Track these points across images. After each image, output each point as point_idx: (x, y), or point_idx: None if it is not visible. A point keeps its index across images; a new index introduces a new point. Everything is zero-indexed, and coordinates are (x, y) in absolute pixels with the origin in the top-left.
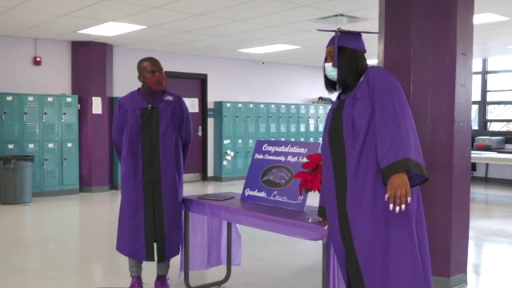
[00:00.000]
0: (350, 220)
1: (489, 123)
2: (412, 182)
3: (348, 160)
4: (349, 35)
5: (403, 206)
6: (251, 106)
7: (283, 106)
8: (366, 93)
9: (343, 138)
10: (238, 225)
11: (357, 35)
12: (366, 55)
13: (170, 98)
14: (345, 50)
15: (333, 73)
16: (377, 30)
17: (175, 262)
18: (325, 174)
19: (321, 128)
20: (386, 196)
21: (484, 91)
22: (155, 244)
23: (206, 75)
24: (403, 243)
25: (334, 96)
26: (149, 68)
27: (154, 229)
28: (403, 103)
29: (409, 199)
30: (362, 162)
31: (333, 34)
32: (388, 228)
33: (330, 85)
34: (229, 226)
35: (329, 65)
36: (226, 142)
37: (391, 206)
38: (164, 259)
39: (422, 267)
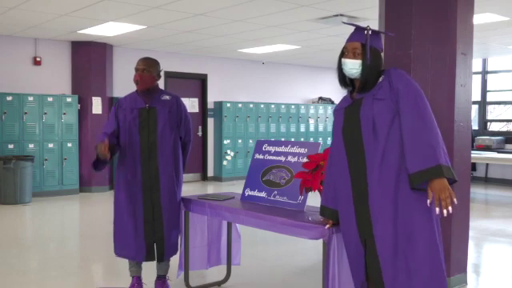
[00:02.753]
0: (373, 221)
1: (489, 123)
2: None
3: (368, 161)
4: (376, 35)
5: (450, 209)
6: (251, 105)
7: (283, 106)
8: (388, 94)
9: (362, 139)
10: (237, 225)
11: (380, 35)
12: None
13: (167, 97)
14: (372, 49)
15: (353, 70)
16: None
17: (175, 261)
18: (338, 174)
19: (321, 128)
20: (429, 201)
21: (484, 91)
22: (154, 244)
23: (205, 75)
24: (425, 241)
25: (333, 95)
26: (135, 66)
27: (153, 229)
28: (429, 108)
29: (455, 200)
30: (385, 163)
31: (352, 29)
32: (411, 227)
33: (346, 81)
34: (229, 226)
35: (351, 61)
36: (226, 142)
37: (437, 209)
38: (163, 259)
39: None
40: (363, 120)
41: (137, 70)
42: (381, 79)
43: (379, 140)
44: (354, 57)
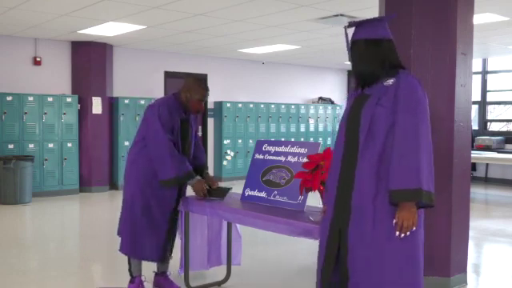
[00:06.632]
0: (353, 211)
1: (489, 123)
2: (417, 205)
3: (359, 163)
4: (359, 27)
5: (407, 233)
6: (251, 105)
7: (283, 106)
8: (391, 104)
9: (358, 138)
10: (238, 225)
11: (370, 23)
12: None
13: None
14: (357, 43)
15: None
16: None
17: (174, 261)
18: (332, 160)
19: (321, 128)
20: (394, 221)
21: (484, 91)
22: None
23: (206, 75)
24: (404, 254)
25: (333, 95)
26: (199, 96)
27: (172, 227)
28: (426, 124)
29: (414, 228)
30: (382, 165)
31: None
32: (390, 238)
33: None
34: (229, 226)
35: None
36: (226, 142)
37: (397, 233)
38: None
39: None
40: (362, 121)
41: (202, 100)
42: (391, 82)
43: (376, 142)
44: None
